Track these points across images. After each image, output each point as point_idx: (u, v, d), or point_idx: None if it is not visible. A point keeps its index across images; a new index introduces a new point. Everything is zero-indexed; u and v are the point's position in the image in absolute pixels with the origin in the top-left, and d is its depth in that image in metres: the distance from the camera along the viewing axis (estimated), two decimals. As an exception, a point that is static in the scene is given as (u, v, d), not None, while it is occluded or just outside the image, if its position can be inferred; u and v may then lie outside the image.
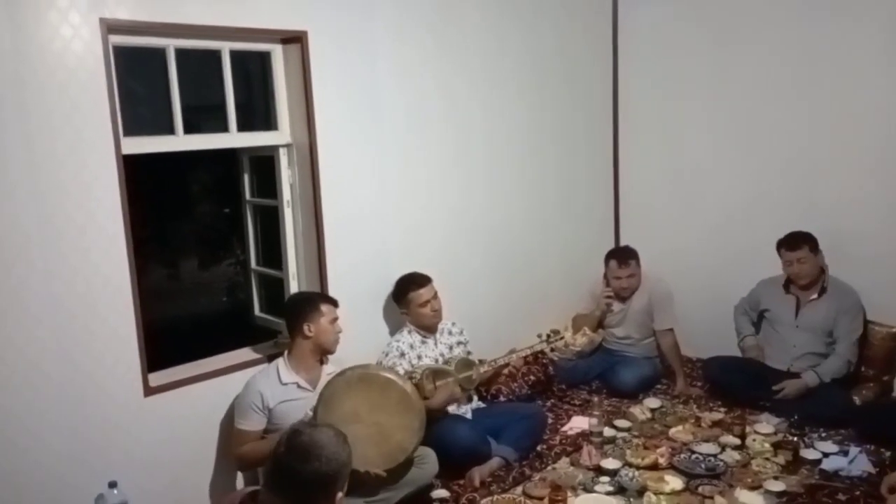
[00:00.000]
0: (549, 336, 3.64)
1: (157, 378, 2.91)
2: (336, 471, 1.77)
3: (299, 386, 2.93)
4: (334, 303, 3.04)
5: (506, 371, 3.76)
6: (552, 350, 3.71)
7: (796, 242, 3.73)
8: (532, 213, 4.31)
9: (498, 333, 3.94)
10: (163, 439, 2.85)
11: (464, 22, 3.80)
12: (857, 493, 2.90)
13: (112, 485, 2.37)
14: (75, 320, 2.60)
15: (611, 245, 4.68)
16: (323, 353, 3.01)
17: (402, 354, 3.37)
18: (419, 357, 3.40)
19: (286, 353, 3.01)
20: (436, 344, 3.50)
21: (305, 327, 2.94)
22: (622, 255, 4.17)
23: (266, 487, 1.81)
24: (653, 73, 4.55)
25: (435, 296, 3.46)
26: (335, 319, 3.00)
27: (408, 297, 3.44)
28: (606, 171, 4.78)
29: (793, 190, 4.09)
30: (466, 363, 3.43)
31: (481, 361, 3.46)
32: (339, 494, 1.78)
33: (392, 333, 3.53)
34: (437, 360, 3.43)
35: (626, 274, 4.12)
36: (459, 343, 3.59)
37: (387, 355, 3.38)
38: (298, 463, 1.76)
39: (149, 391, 2.81)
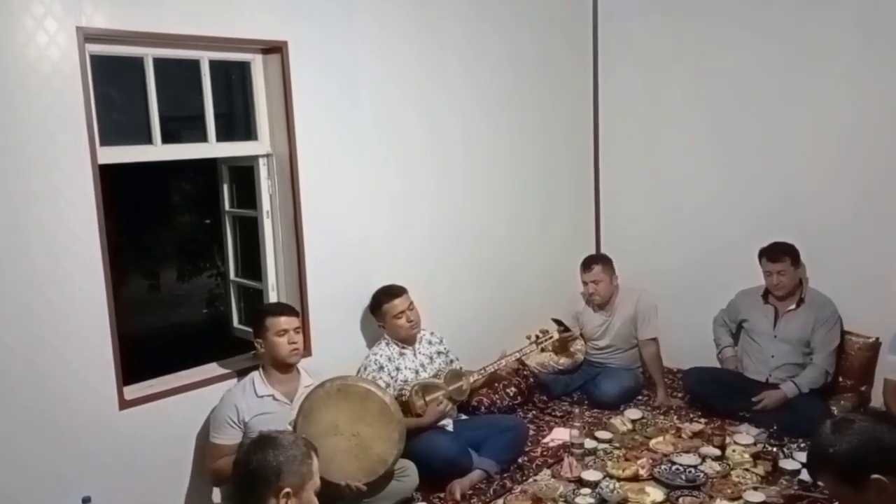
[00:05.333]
0: (537, 337, 3.63)
1: (132, 391, 2.86)
2: (282, 462, 1.80)
3: (275, 398, 2.90)
4: (285, 313, 2.96)
5: (499, 374, 3.70)
6: (541, 368, 3.71)
7: (778, 254, 3.75)
8: (514, 223, 4.31)
9: (482, 342, 3.94)
10: (138, 453, 2.80)
11: (444, 32, 3.81)
12: (836, 503, 2.91)
13: (86, 500, 2.34)
14: (45, 330, 2.55)
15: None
16: (281, 366, 2.93)
17: (381, 367, 3.34)
18: (398, 369, 3.37)
19: (261, 366, 2.97)
20: (415, 355, 3.46)
21: (257, 343, 2.93)
22: (585, 261, 4.20)
23: (228, 498, 1.83)
24: (633, 83, 4.58)
25: (410, 306, 3.41)
26: (283, 332, 2.89)
27: (382, 309, 3.40)
28: (587, 181, 4.79)
29: (772, 201, 4.12)
30: (455, 374, 3.40)
31: (469, 372, 3.44)
32: (287, 490, 1.79)
33: (372, 344, 3.50)
34: (416, 371, 3.41)
35: (590, 279, 4.12)
36: (440, 353, 3.55)
37: (365, 369, 3.35)
38: (250, 454, 1.83)
39: (124, 404, 2.76)
